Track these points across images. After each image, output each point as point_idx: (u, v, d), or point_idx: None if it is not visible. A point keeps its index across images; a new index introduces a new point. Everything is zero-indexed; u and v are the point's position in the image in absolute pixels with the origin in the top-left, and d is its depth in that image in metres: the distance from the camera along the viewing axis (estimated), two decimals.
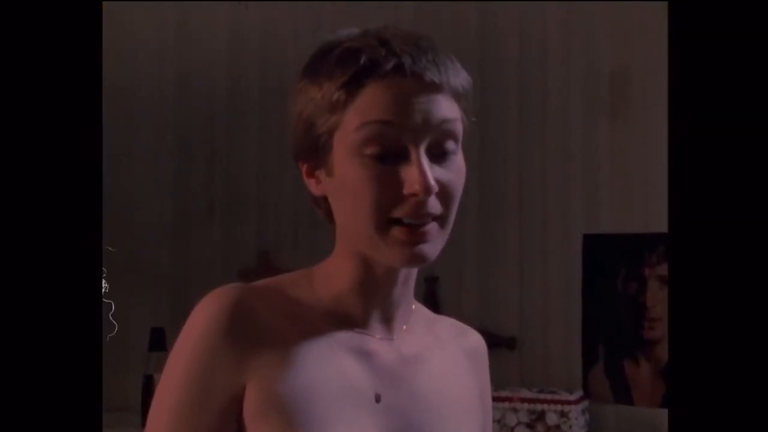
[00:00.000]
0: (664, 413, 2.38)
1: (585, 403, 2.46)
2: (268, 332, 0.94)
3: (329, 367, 0.94)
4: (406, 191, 0.90)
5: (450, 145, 0.93)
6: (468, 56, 2.66)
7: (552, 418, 2.38)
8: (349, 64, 0.91)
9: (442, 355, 1.05)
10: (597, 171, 2.56)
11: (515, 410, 2.41)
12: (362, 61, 0.90)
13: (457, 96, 0.94)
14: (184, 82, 3.02)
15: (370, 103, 0.90)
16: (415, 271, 1.01)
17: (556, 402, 2.38)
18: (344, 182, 0.93)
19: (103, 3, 1.10)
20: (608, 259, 2.52)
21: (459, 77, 0.95)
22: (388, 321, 1.01)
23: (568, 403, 2.38)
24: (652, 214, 2.45)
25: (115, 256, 2.81)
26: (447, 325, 1.10)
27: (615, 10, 2.56)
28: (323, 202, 0.99)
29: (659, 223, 2.41)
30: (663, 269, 2.44)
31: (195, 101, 3.00)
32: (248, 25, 2.97)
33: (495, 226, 2.66)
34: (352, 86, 0.91)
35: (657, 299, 2.44)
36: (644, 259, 2.47)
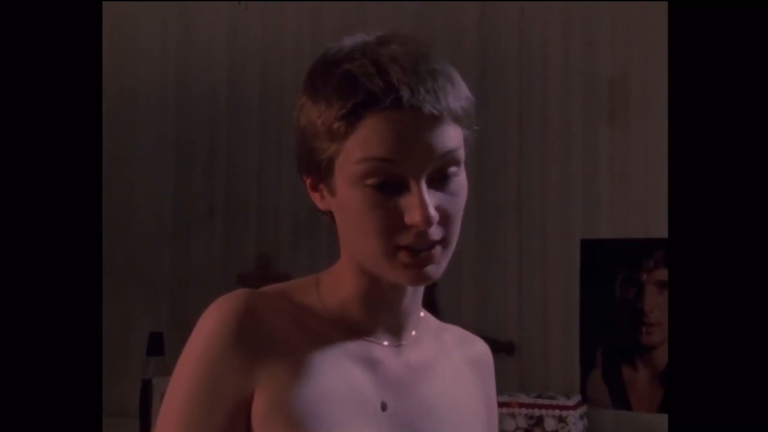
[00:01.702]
0: (662, 418, 2.38)
1: (583, 409, 2.46)
2: (276, 339, 0.94)
3: (336, 375, 0.95)
4: (407, 221, 0.90)
5: (452, 170, 0.93)
6: (468, 61, 2.67)
7: (550, 424, 2.38)
8: (347, 96, 0.90)
9: (449, 364, 1.05)
10: (596, 177, 2.56)
11: (513, 415, 2.41)
12: (360, 94, 0.89)
13: (459, 119, 0.94)
14: (185, 87, 3.01)
15: (369, 137, 0.90)
16: None
17: (554, 407, 2.38)
18: (347, 207, 0.93)
19: (104, 8, 1.10)
20: (606, 264, 2.52)
21: (459, 99, 0.94)
22: (397, 329, 1.01)
23: (566, 408, 2.38)
24: (651, 221, 2.45)
25: (115, 260, 2.81)
26: (454, 333, 1.11)
27: (615, 16, 2.56)
28: (329, 212, 0.99)
29: (658, 230, 2.41)
30: (661, 274, 2.44)
31: (195, 106, 3.00)
32: (248, 29, 2.97)
33: (494, 231, 2.66)
34: (351, 118, 0.90)
35: (655, 304, 2.44)
36: (642, 264, 2.47)
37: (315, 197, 0.99)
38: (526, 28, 2.66)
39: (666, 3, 1.09)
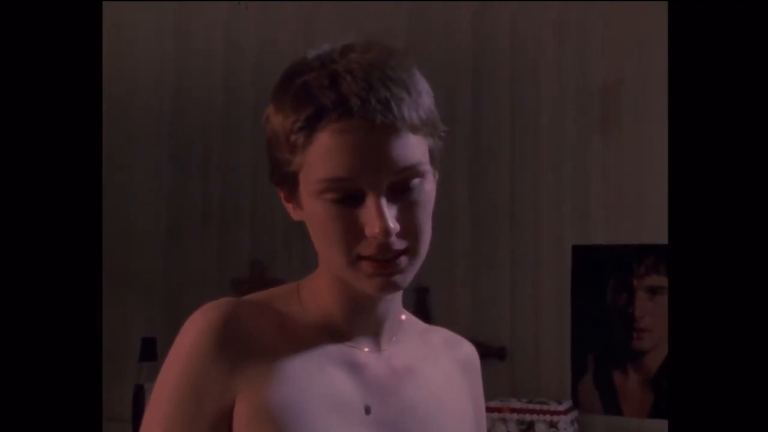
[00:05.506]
0: (652, 423, 2.40)
1: (574, 414, 2.47)
2: (257, 346, 0.94)
3: (318, 380, 0.95)
4: (366, 233, 0.90)
5: (414, 182, 0.92)
6: (462, 66, 2.69)
7: (541, 429, 2.39)
8: (301, 109, 0.90)
9: (434, 366, 1.06)
10: (588, 183, 2.58)
11: (505, 420, 2.42)
12: (311, 107, 0.89)
13: (416, 129, 0.91)
14: (181, 94, 3.02)
15: (324, 153, 0.89)
16: None
17: (545, 412, 2.39)
18: (312, 219, 0.94)
19: (102, 14, 1.11)
20: (597, 270, 2.54)
21: (418, 108, 0.91)
22: (375, 335, 1.02)
23: (558, 413, 2.39)
24: (643, 227, 2.47)
25: (110, 264, 2.82)
26: (439, 335, 1.11)
27: (608, 24, 2.58)
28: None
29: (650, 236, 2.43)
30: (651, 280, 2.46)
31: (191, 112, 3.01)
32: (244, 35, 2.98)
33: (486, 237, 2.68)
34: (306, 131, 0.90)
35: (645, 310, 2.46)
36: (632, 270, 2.49)
37: (289, 208, 1.00)
38: (520, 32, 2.68)
39: (659, 13, 1.10)
